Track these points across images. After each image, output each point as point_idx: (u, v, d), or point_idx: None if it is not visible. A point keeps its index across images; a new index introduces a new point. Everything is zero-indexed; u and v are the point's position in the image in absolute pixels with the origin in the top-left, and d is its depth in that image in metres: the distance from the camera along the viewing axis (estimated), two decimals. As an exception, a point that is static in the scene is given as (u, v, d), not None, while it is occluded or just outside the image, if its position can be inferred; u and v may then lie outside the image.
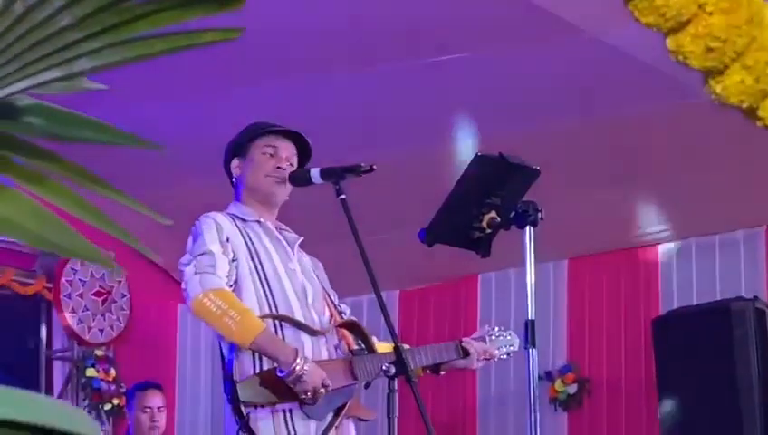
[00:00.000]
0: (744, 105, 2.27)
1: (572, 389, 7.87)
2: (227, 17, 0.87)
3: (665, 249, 7.76)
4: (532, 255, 4.14)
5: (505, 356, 4.70)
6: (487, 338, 4.60)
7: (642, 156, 6.93)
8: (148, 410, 6.65)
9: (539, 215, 4.12)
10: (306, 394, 3.94)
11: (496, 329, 4.68)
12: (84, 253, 0.94)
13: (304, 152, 4.37)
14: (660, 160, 6.91)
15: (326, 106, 6.47)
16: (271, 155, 4.29)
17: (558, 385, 7.88)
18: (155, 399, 6.72)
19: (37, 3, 0.83)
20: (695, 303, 7.31)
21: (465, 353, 4.46)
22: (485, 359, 4.56)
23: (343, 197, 4.19)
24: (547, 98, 6.35)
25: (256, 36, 5.69)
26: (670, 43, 2.34)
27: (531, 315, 4.14)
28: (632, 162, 6.99)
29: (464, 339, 4.54)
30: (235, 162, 4.34)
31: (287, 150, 4.31)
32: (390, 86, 6.35)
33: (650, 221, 7.64)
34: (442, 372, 4.52)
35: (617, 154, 6.93)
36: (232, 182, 4.37)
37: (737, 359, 6.61)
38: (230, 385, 4.01)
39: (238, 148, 4.34)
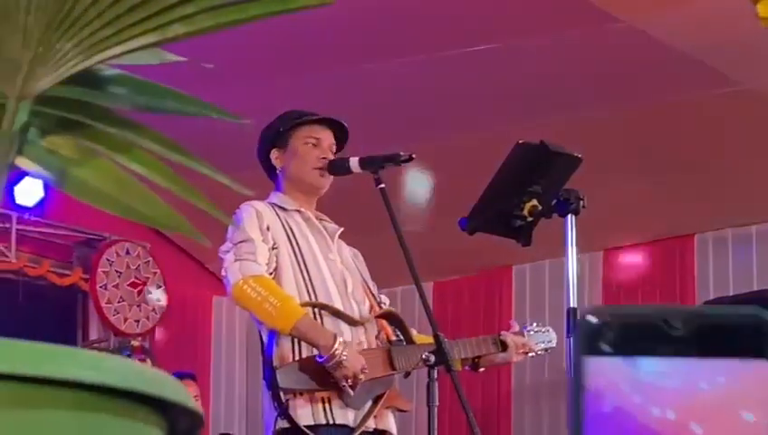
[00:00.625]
0: None
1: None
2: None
3: (701, 240, 7.74)
4: (574, 244, 4.12)
5: (542, 352, 4.68)
6: (525, 333, 4.58)
7: (677, 146, 6.90)
8: None
9: (581, 203, 4.10)
10: (346, 380, 3.94)
11: (534, 324, 4.67)
12: (170, 222, 0.94)
13: (340, 139, 4.36)
14: (696, 150, 6.88)
15: (364, 95, 6.47)
16: (314, 145, 4.27)
17: (593, 377, 7.85)
18: (189, 389, 6.72)
19: (133, -32, 0.83)
20: (731, 293, 7.28)
21: (504, 347, 4.44)
22: (524, 353, 4.54)
23: (383, 186, 4.19)
24: (581, 86, 6.34)
25: (296, 26, 5.70)
26: (762, 9, 2.31)
27: (573, 303, 4.13)
28: (667, 152, 6.96)
29: (501, 333, 4.52)
30: (274, 153, 4.29)
31: (328, 139, 4.30)
32: (429, 75, 6.34)
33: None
34: (481, 369, 4.50)
35: (652, 143, 6.90)
36: (268, 172, 4.34)
37: (775, 349, 6.58)
38: (269, 371, 4.01)
39: (277, 138, 4.30)
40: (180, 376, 6.84)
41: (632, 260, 7.93)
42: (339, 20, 5.68)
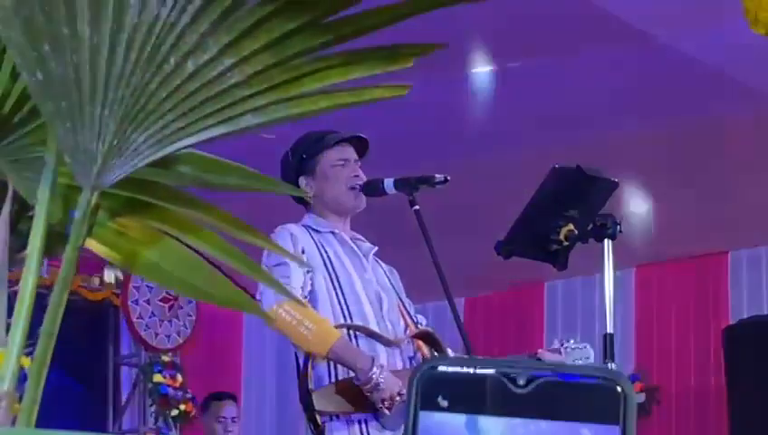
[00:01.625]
0: None
1: (640, 398, 7.81)
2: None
3: (735, 257, 7.70)
4: (611, 268, 4.10)
5: None
6: (563, 350, 4.56)
7: (711, 163, 6.87)
8: (223, 420, 6.70)
9: (618, 228, 4.09)
10: (383, 402, 3.94)
11: (572, 341, 4.65)
12: (236, 302, 0.95)
13: (360, 151, 4.35)
14: (729, 167, 6.85)
15: (392, 114, 6.47)
16: (342, 166, 4.27)
17: (625, 394, 7.83)
18: (230, 409, 6.77)
19: (208, 61, 0.83)
20: (765, 312, 7.24)
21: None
22: None
23: (417, 208, 4.19)
24: (614, 103, 6.32)
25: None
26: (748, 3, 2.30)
27: (609, 329, 4.11)
28: (700, 169, 6.93)
29: (539, 351, 4.50)
30: (303, 180, 4.26)
31: (353, 155, 4.30)
32: (461, 93, 6.33)
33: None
34: None
35: (686, 160, 6.87)
36: (295, 198, 4.32)
37: (810, 369, 6.54)
38: (306, 394, 4.02)
39: (303, 165, 4.29)
40: (221, 396, 6.88)
41: (665, 277, 7.90)
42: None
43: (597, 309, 6.94)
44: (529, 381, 0.70)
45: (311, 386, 4.00)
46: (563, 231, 4.14)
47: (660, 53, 5.74)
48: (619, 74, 6.01)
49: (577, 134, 6.44)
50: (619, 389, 0.72)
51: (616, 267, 7.40)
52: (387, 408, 3.95)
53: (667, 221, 7.35)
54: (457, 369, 0.70)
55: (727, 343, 6.95)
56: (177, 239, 0.96)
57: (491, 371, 0.70)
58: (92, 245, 0.95)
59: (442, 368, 0.69)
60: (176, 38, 0.82)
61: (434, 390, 0.69)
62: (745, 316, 7.25)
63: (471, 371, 0.70)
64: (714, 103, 6.24)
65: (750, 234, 7.44)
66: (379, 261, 4.38)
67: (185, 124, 0.86)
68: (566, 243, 4.14)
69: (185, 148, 0.88)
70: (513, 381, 0.70)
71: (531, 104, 6.52)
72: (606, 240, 4.07)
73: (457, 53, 5.99)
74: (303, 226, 4.24)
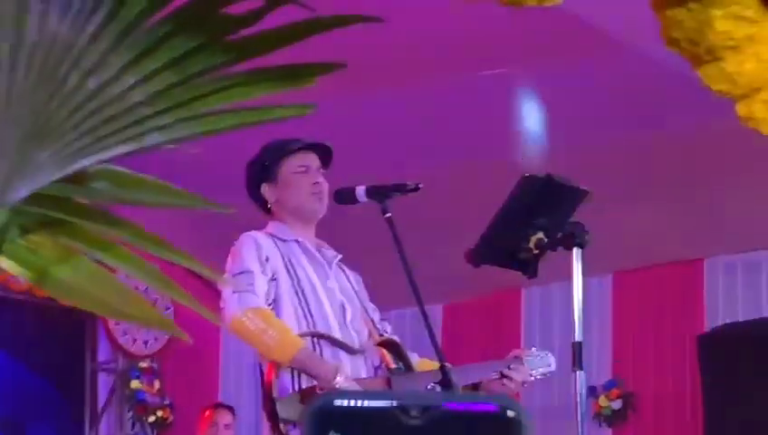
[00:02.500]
0: None
1: (617, 404, 7.82)
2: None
3: (710, 264, 7.72)
4: (580, 276, 4.11)
5: (541, 377, 4.67)
6: (524, 358, 4.57)
7: (688, 171, 6.88)
8: (215, 425, 6.79)
9: (586, 237, 4.09)
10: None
11: (533, 349, 4.66)
12: (150, 320, 0.94)
13: (324, 160, 4.36)
14: (706, 175, 6.86)
15: (372, 123, 6.47)
16: (303, 172, 4.29)
17: (602, 400, 7.84)
18: (226, 416, 6.88)
19: (110, 79, 0.83)
20: (740, 319, 7.26)
21: (506, 378, 4.43)
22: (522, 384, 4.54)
23: (389, 215, 4.20)
24: (592, 113, 6.33)
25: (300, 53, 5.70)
26: (740, 109, 2.32)
27: (578, 337, 4.11)
28: (678, 177, 6.95)
29: (511, 367, 4.48)
30: (264, 187, 4.29)
31: (315, 162, 4.32)
32: (436, 102, 6.34)
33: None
34: (481, 393, 4.49)
35: (662, 169, 6.89)
36: (260, 205, 4.34)
37: (784, 376, 6.56)
38: (269, 403, 4.02)
39: (265, 172, 4.30)
40: (218, 405, 6.99)
41: (642, 284, 7.91)
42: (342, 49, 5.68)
43: (575, 315, 6.90)
44: (422, 412, 0.70)
45: (275, 394, 4.00)
46: (533, 239, 4.14)
47: (634, 62, 5.76)
48: (592, 84, 6.03)
49: (549, 143, 6.45)
50: (512, 415, 0.72)
51: (588, 274, 7.43)
52: None
53: (644, 228, 7.36)
54: (352, 402, 0.70)
55: (701, 350, 6.98)
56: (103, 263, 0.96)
57: (384, 403, 0.70)
58: (2, 262, 0.94)
59: (337, 402, 0.69)
60: (76, 57, 0.81)
61: (328, 424, 0.69)
62: (721, 323, 7.27)
63: (365, 404, 0.70)
64: (688, 112, 6.25)
65: (725, 241, 7.46)
66: (344, 268, 4.38)
67: (89, 142, 0.86)
68: (536, 251, 4.14)
69: (89, 166, 0.88)
70: (407, 412, 0.70)
71: (508, 113, 6.53)
72: (575, 248, 4.08)
73: (435, 63, 6.00)
74: (267, 233, 4.25)
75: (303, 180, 4.25)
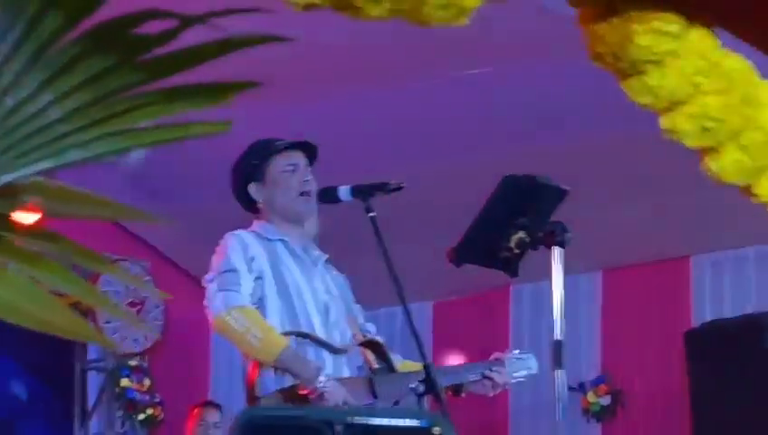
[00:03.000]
0: (741, 183, 2.28)
1: (606, 400, 7.84)
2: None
3: (697, 261, 7.73)
4: (561, 275, 4.12)
5: (523, 379, 4.69)
6: (506, 360, 4.59)
7: (674, 168, 6.89)
8: (204, 423, 6.81)
9: (567, 235, 4.11)
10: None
11: (516, 351, 4.69)
12: (84, 333, 0.95)
13: (309, 158, 4.38)
14: (693, 173, 6.86)
15: (356, 122, 6.48)
16: (292, 171, 4.30)
17: (591, 397, 7.85)
18: (214, 414, 6.90)
19: (27, 98, 0.84)
20: (728, 315, 7.27)
21: (488, 379, 4.45)
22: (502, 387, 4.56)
23: (373, 214, 4.21)
24: (577, 111, 6.34)
25: (282, 53, 5.71)
26: (664, 122, 2.35)
27: (558, 336, 4.13)
28: (665, 174, 6.95)
29: (494, 368, 4.50)
30: (253, 187, 4.31)
31: (302, 161, 4.34)
32: (420, 101, 6.35)
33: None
34: (463, 395, 4.51)
35: (649, 165, 6.89)
36: (246, 205, 4.35)
37: (771, 372, 6.57)
38: (253, 401, 4.04)
39: (252, 172, 4.31)
40: (206, 404, 7.00)
41: (630, 281, 7.92)
42: (330, 47, 5.69)
43: (563, 312, 6.90)
44: (346, 428, 0.71)
45: (257, 393, 4.02)
46: (514, 239, 4.17)
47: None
48: (578, 83, 6.03)
49: (537, 141, 6.46)
50: (437, 432, 0.73)
51: (577, 271, 7.43)
52: None
53: (632, 226, 7.37)
54: (277, 416, 0.71)
55: (688, 346, 6.99)
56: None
57: (311, 418, 0.71)
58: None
59: (264, 414, 0.70)
60: (-7, 76, 0.83)
61: None
62: (708, 319, 7.28)
63: (291, 417, 0.71)
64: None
65: (712, 238, 7.47)
66: (330, 268, 4.40)
67: (8, 159, 0.87)
68: (517, 250, 4.17)
69: (9, 182, 0.89)
70: (331, 427, 0.71)
71: (496, 111, 6.54)
72: (555, 247, 4.10)
73: (422, 62, 6.01)
74: (253, 232, 4.26)
75: (292, 179, 4.27)
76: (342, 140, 6.20)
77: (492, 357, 4.56)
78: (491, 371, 4.41)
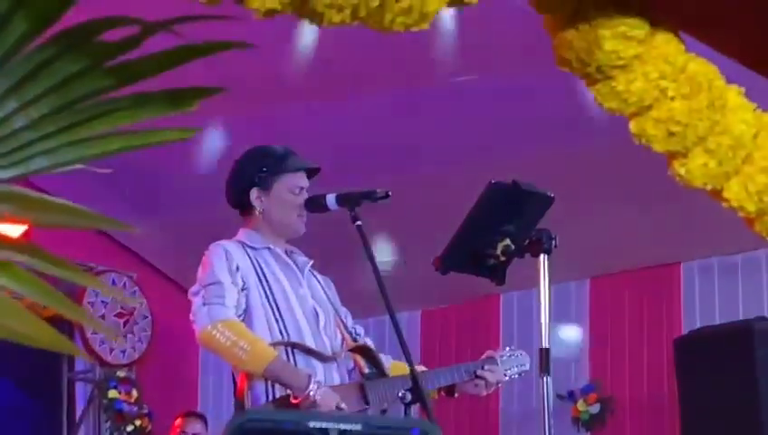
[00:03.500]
0: (709, 187, 2.29)
1: (595, 408, 7.83)
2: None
3: (687, 268, 7.73)
4: (547, 282, 4.12)
5: (516, 376, 4.69)
6: (498, 358, 4.59)
7: (663, 175, 6.89)
8: (184, 434, 6.77)
9: (553, 243, 4.11)
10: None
11: (507, 349, 4.68)
12: (55, 343, 0.95)
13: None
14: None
15: (341, 131, 6.48)
16: (297, 194, 4.28)
17: (580, 405, 7.84)
18: (195, 425, 6.85)
19: (-9, 105, 0.83)
20: (717, 322, 7.27)
21: (480, 378, 4.45)
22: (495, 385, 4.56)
23: (359, 223, 4.21)
24: (563, 118, 6.34)
25: (271, 61, 5.71)
26: (633, 126, 2.35)
27: (545, 344, 4.13)
28: (653, 181, 6.95)
29: (486, 366, 4.50)
30: (255, 193, 4.26)
31: (306, 184, 4.33)
32: (406, 108, 6.35)
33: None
34: (456, 395, 4.51)
35: (637, 172, 6.89)
36: (236, 204, 4.32)
37: (760, 378, 6.56)
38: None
39: (259, 179, 4.28)
40: (188, 414, 6.96)
41: (619, 288, 7.92)
42: (315, 57, 5.70)
43: (553, 320, 6.91)
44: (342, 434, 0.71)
45: (248, 404, 4.00)
46: (500, 246, 4.16)
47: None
48: (568, 88, 6.03)
49: (525, 148, 6.46)
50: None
51: (565, 279, 7.41)
52: None
53: (621, 233, 7.37)
54: (268, 424, 0.70)
55: (678, 353, 6.99)
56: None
57: (304, 425, 0.71)
58: None
59: (256, 421, 0.70)
60: (-44, 84, 0.82)
61: None
62: (698, 326, 7.28)
63: (284, 425, 0.70)
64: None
65: (702, 245, 7.47)
66: (315, 273, 4.38)
67: (-27, 168, 0.86)
68: (503, 258, 4.17)
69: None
70: (325, 433, 0.70)
71: (483, 118, 6.54)
72: (542, 255, 4.09)
73: (406, 69, 6.01)
74: (239, 242, 4.24)
75: (296, 201, 4.26)
76: (329, 148, 6.19)
77: (484, 356, 4.56)
78: (483, 369, 4.41)
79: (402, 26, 1.60)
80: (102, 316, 7.91)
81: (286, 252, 4.31)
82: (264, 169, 4.27)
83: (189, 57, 0.80)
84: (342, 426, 0.64)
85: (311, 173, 4.36)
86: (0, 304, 0.95)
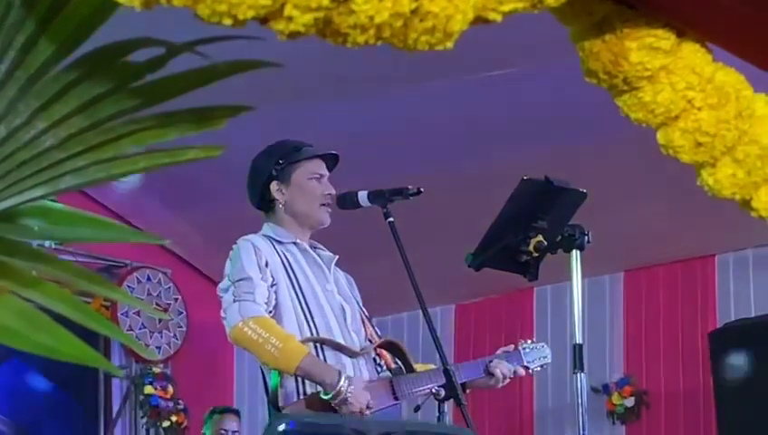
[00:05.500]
0: (737, 197, 2.28)
1: (630, 402, 7.80)
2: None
3: (722, 260, 7.69)
4: (579, 278, 4.12)
5: (539, 368, 4.68)
6: (521, 351, 4.59)
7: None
8: (224, 432, 6.78)
9: (585, 238, 4.11)
10: (352, 415, 3.95)
11: (529, 341, 4.68)
12: (80, 355, 0.95)
13: (330, 168, 4.37)
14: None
15: (374, 123, 6.48)
16: (317, 180, 4.28)
17: (615, 398, 7.82)
18: (232, 423, 6.87)
19: (21, 125, 0.84)
20: (753, 314, 7.23)
21: (489, 374, 4.44)
22: (511, 378, 4.54)
23: (391, 220, 4.21)
24: (596, 112, 6.31)
25: (304, 51, 5.70)
26: (660, 137, 2.34)
27: (579, 339, 4.13)
28: (688, 173, 6.91)
29: (494, 361, 4.48)
30: (275, 186, 4.26)
31: (325, 171, 4.32)
32: (437, 102, 6.34)
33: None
34: (468, 391, 4.48)
35: (672, 164, 6.86)
36: (258, 201, 4.31)
37: (796, 371, 6.54)
38: (276, 411, 4.03)
39: (278, 171, 4.28)
40: (224, 410, 6.97)
41: (653, 281, 7.88)
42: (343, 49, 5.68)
43: (587, 313, 6.92)
44: None
45: (281, 402, 4.01)
46: (533, 242, 4.17)
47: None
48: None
49: (560, 141, 6.44)
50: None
51: (600, 272, 7.38)
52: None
53: (655, 226, 7.34)
54: (309, 427, 0.71)
55: (713, 346, 6.96)
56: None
57: (340, 426, 0.71)
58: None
59: (297, 425, 0.70)
60: (-15, 105, 0.83)
61: None
62: (733, 319, 7.24)
63: (321, 427, 0.71)
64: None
65: (736, 236, 7.42)
66: (338, 269, 4.38)
67: (3, 186, 0.87)
68: (535, 254, 4.17)
69: (7, 208, 0.89)
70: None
71: (515, 113, 6.52)
72: (574, 251, 4.09)
73: (436, 66, 6.00)
74: (265, 236, 4.23)
75: (318, 189, 4.25)
76: (358, 144, 6.20)
77: (500, 350, 4.55)
78: (490, 364, 4.41)
79: (426, 45, 1.60)
80: (137, 312, 7.95)
81: (311, 247, 4.30)
82: (281, 161, 4.27)
83: (216, 77, 0.80)
84: (385, 430, 0.64)
85: (330, 164, 4.34)
86: (33, 321, 0.96)
